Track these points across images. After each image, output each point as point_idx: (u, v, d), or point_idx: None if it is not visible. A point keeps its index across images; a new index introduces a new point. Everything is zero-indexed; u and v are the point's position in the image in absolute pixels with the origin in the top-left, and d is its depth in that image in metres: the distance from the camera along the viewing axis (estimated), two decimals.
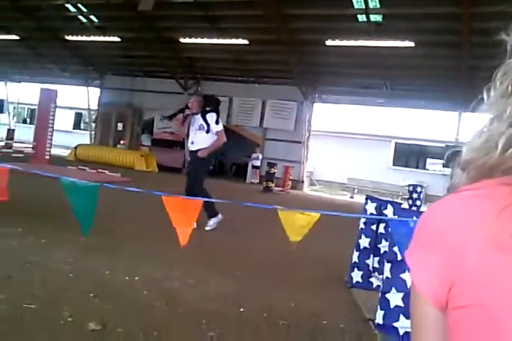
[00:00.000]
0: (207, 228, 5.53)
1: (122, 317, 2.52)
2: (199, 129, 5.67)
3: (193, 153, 5.76)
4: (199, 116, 5.69)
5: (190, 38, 14.39)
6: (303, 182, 16.27)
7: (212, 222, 5.61)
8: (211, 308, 2.82)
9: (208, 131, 5.62)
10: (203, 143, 5.64)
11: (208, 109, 5.80)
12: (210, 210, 5.57)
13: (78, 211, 2.57)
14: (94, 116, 20.74)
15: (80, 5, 14.87)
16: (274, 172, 13.42)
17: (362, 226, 3.65)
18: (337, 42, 12.47)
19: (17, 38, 17.56)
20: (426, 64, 12.93)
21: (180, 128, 6.03)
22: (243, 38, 13.67)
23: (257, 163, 16.10)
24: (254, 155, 16.25)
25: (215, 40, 14.03)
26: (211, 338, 2.38)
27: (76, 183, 2.56)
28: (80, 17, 15.58)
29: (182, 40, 14.65)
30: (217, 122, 5.73)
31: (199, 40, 14.33)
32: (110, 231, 4.62)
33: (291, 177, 14.68)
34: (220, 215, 5.70)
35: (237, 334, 2.46)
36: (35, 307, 2.48)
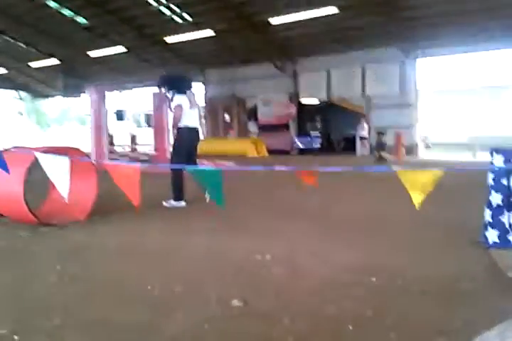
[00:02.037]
0: (164, 203, 5.52)
1: (260, 293, 2.69)
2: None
3: None
4: None
5: (279, 15, 14.33)
6: (417, 146, 15.52)
7: (171, 203, 5.56)
8: (344, 279, 2.89)
9: (171, 110, 5.61)
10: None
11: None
12: (175, 192, 5.53)
13: (209, 190, 2.83)
14: (202, 111, 21.78)
15: (172, 5, 15.64)
16: (385, 141, 12.99)
17: (491, 182, 3.43)
18: None
19: (125, 49, 19.08)
20: None
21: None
22: (332, 5, 13.30)
23: (364, 134, 15.72)
24: (359, 126, 15.88)
25: (303, 14, 13.85)
26: (348, 308, 2.45)
27: (201, 169, 2.85)
28: (175, 17, 16.39)
29: (272, 21, 14.69)
30: (172, 99, 5.61)
31: (289, 17, 14.24)
32: (236, 216, 4.92)
33: (403, 143, 14.08)
34: (183, 203, 5.60)
35: (374, 303, 2.50)
36: (183, 290, 2.76)
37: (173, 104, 5.57)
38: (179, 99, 5.57)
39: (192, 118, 5.67)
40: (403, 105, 15.47)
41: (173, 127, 5.63)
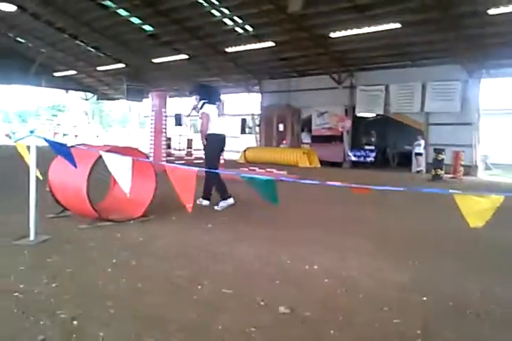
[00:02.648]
0: (216, 207, 5.83)
1: (307, 302, 2.71)
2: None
3: None
4: None
5: (340, 31, 14.33)
6: (477, 167, 14.93)
7: (221, 204, 5.86)
8: (392, 296, 2.85)
9: (201, 118, 6.04)
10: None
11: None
12: (221, 192, 5.85)
13: (263, 193, 2.88)
14: (257, 120, 22.01)
15: (235, 17, 16.00)
16: (443, 159, 12.57)
17: None
18: (502, 10, 11.15)
19: (186, 56, 19.67)
20: None
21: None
22: (395, 22, 13.13)
23: (420, 150, 15.33)
24: (416, 142, 15.53)
25: (365, 29, 13.74)
26: (396, 325, 2.42)
27: (255, 178, 2.90)
28: (237, 28, 16.77)
29: (332, 34, 14.69)
30: (201, 107, 6.10)
31: (349, 32, 14.18)
32: (284, 225, 4.95)
33: (462, 163, 13.59)
34: (231, 200, 5.93)
35: (423, 322, 2.45)
36: (231, 292, 2.83)
37: (201, 112, 6.09)
38: (208, 108, 6.07)
39: (219, 126, 6.16)
40: (463, 124, 14.98)
41: (201, 134, 6.08)
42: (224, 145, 6.27)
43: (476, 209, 2.61)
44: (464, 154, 13.83)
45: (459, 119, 15.05)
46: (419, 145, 15.44)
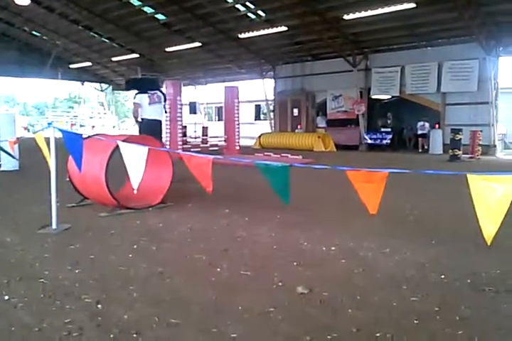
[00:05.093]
0: None
1: (325, 282, 2.75)
2: None
3: None
4: None
5: (354, 13, 14.10)
6: (495, 146, 14.69)
7: None
8: (409, 275, 2.87)
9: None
10: None
11: None
12: None
13: (275, 186, 2.89)
14: (271, 106, 21.92)
15: (247, 3, 15.85)
16: (460, 139, 12.39)
17: None
18: None
19: (199, 44, 19.60)
20: None
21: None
22: (409, 2, 12.86)
23: (424, 131, 15.79)
24: (419, 124, 15.90)
25: (379, 10, 13.49)
26: (414, 303, 2.44)
27: (268, 165, 2.90)
28: (249, 14, 16.62)
29: (346, 17, 14.47)
30: (134, 97, 7.07)
31: (363, 14, 13.94)
32: (300, 209, 4.97)
33: (480, 143, 13.40)
34: None
35: (441, 299, 2.47)
36: (250, 274, 2.88)
37: (133, 102, 7.00)
38: (139, 98, 6.96)
39: (151, 112, 6.95)
40: (481, 103, 14.72)
41: (135, 119, 7.10)
42: (158, 129, 7.15)
43: (490, 201, 2.13)
44: (481, 134, 13.62)
45: (476, 99, 14.78)
46: (423, 126, 15.88)
